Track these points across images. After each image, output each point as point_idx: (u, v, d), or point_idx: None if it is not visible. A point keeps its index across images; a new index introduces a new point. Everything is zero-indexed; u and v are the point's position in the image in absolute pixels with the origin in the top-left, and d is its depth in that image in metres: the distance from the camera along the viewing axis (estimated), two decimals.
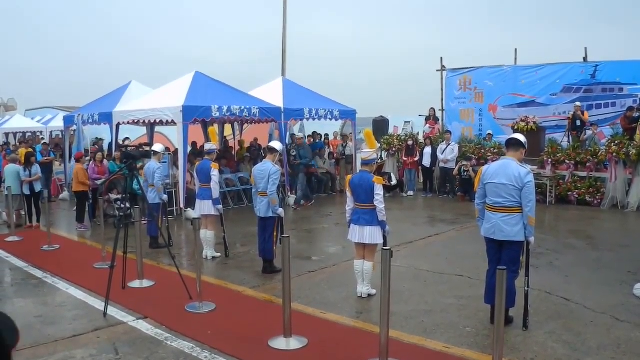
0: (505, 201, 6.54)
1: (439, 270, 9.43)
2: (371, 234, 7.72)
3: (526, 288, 6.69)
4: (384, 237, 7.83)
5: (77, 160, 14.11)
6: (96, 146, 20.52)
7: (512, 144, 6.79)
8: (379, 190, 7.59)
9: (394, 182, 18.69)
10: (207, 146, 10.98)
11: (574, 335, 6.51)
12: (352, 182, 7.85)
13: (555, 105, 19.60)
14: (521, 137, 6.83)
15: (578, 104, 18.02)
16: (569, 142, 17.53)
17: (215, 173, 10.37)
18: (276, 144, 9.73)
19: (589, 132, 17.50)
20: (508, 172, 6.53)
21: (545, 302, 7.69)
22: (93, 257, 10.43)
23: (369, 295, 8.00)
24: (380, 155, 20.01)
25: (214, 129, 11.77)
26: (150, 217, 10.80)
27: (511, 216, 6.52)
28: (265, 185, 9.16)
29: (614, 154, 15.20)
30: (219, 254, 10.64)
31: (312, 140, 21.97)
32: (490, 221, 6.69)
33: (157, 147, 12.05)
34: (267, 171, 9.19)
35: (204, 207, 10.52)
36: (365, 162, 7.89)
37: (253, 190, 9.58)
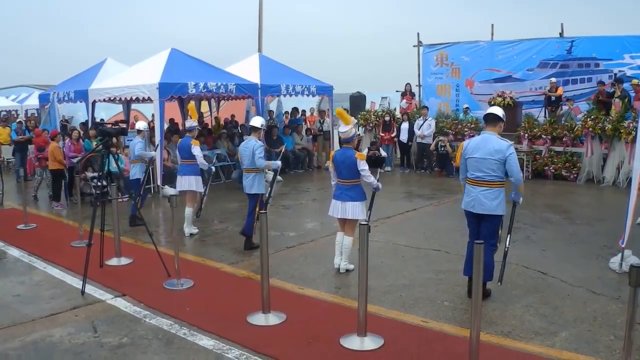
0: (485, 175, 6.61)
1: (416, 245, 9.47)
2: (353, 210, 7.79)
3: (507, 246, 6.97)
4: (373, 196, 8.32)
5: (52, 139, 13.90)
6: (67, 123, 20.27)
7: (490, 119, 6.77)
8: (363, 166, 7.65)
9: (383, 154, 18.69)
10: (188, 123, 10.94)
11: (551, 308, 6.58)
12: (334, 158, 7.89)
13: (532, 80, 19.61)
14: (498, 111, 6.82)
15: (553, 79, 18.09)
16: (545, 117, 17.62)
17: (196, 151, 10.36)
18: (256, 121, 9.58)
19: (565, 108, 17.58)
20: (488, 146, 6.57)
21: (522, 276, 7.75)
22: (70, 236, 10.32)
23: (347, 270, 8.06)
24: (357, 131, 19.95)
25: (193, 105, 11.82)
26: (128, 193, 10.74)
27: (490, 190, 6.59)
28: (250, 162, 9.18)
29: (590, 129, 15.30)
30: (196, 230, 10.64)
31: (288, 117, 21.87)
32: (470, 195, 6.76)
33: (140, 124, 12.13)
34: (251, 148, 9.19)
35: (184, 183, 10.51)
36: (345, 140, 7.92)
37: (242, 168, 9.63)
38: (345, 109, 20.49)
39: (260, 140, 9.38)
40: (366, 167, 7.69)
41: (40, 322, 6.48)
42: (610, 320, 6.20)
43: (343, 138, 7.94)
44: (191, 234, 10.54)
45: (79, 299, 7.18)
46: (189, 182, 10.48)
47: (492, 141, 6.59)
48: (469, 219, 6.94)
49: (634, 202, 7.61)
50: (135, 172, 11.40)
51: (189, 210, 10.54)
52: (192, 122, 10.81)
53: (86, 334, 6.11)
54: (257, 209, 9.25)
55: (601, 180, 15.29)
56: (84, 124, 18.05)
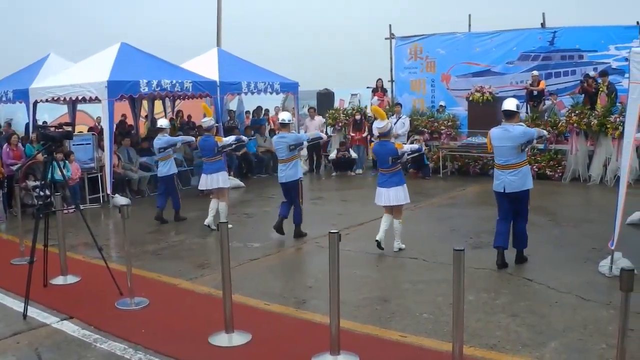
0: (509, 159, 8.21)
1: (391, 253, 9.47)
2: (396, 195, 9.34)
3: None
4: (419, 151, 10.60)
5: None
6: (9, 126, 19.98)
7: (507, 115, 8.35)
8: (403, 150, 9.33)
9: (353, 155, 18.90)
10: (206, 123, 11.72)
11: (538, 317, 6.61)
12: (375, 150, 9.65)
13: (512, 74, 19.72)
14: (512, 106, 8.31)
15: (535, 72, 18.24)
16: (527, 113, 17.75)
17: (227, 139, 11.95)
18: (284, 117, 10.85)
19: (548, 102, 17.74)
20: (508, 134, 8.19)
21: (507, 283, 7.80)
22: (10, 252, 10.13)
23: (400, 249, 9.48)
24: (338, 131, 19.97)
25: (206, 104, 12.46)
26: (168, 190, 12.47)
27: (517, 171, 8.20)
28: (286, 153, 10.39)
29: (575, 125, 15.47)
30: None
31: (249, 117, 21.77)
32: (499, 178, 8.37)
33: (162, 122, 12.96)
34: (287, 139, 10.42)
35: (211, 182, 11.47)
36: (383, 134, 9.40)
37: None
38: (312, 108, 20.69)
39: (292, 132, 11.01)
40: (406, 149, 9.51)
41: None
42: (601, 327, 6.25)
43: (381, 132, 9.39)
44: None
45: (20, 324, 7.01)
46: (216, 180, 11.44)
47: (509, 129, 8.21)
48: (499, 198, 8.45)
49: (622, 201, 7.70)
50: (167, 169, 12.31)
51: (222, 205, 11.44)
52: (209, 121, 11.74)
53: None
54: (301, 193, 10.73)
55: (587, 179, 15.47)
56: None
